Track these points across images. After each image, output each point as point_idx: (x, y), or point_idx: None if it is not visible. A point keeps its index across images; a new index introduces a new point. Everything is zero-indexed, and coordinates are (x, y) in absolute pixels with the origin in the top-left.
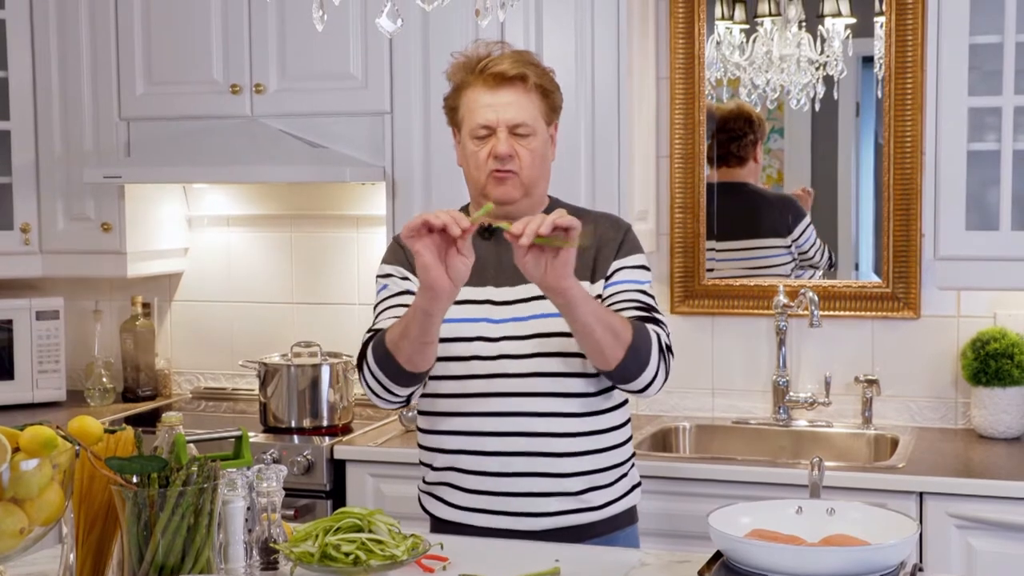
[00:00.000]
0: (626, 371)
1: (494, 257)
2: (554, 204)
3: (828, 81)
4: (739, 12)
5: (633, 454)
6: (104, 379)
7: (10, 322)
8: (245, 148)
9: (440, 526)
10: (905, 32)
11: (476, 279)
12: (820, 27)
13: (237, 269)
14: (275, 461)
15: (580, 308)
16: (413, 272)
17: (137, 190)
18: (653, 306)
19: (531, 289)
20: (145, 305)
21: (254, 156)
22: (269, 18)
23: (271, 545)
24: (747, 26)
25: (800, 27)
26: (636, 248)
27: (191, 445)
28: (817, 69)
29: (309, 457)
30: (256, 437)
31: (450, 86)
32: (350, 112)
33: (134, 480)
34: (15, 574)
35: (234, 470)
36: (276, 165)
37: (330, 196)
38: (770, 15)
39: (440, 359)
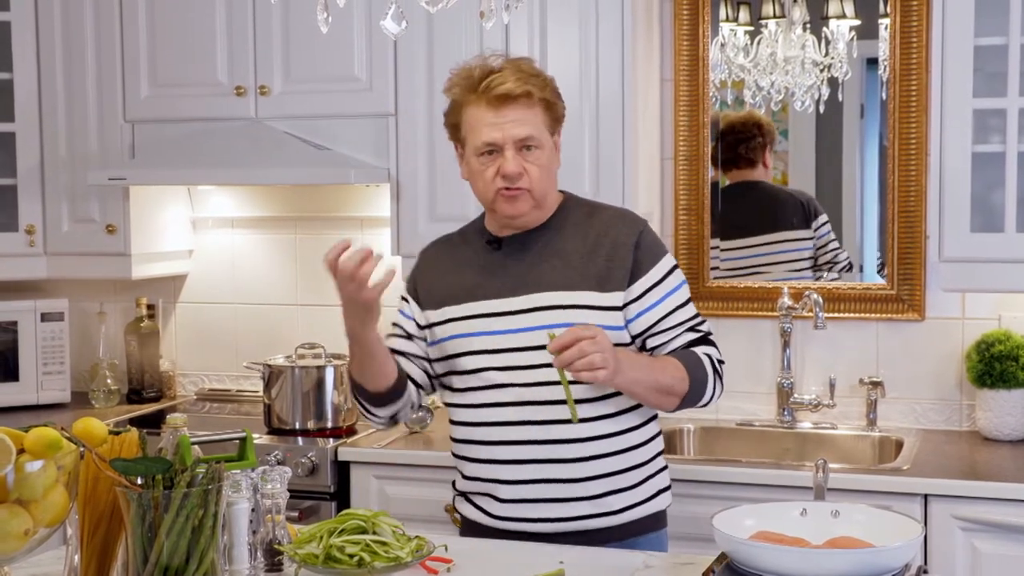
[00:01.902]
0: (683, 408)
1: (501, 268)
2: (568, 201)
3: (833, 83)
4: (743, 14)
5: (659, 453)
6: (109, 381)
7: (15, 323)
8: (249, 150)
9: (471, 531)
10: (910, 34)
11: (483, 292)
12: (824, 29)
13: (241, 271)
14: (279, 463)
15: (634, 390)
16: (415, 295)
17: (142, 192)
18: (695, 316)
19: (539, 299)
20: (150, 307)
21: (258, 158)
22: (273, 20)
23: (275, 547)
24: (751, 28)
25: (804, 29)
26: (657, 252)
27: (195, 447)
28: (822, 71)
29: (313, 459)
30: (260, 439)
31: (448, 101)
32: (354, 114)
33: (139, 481)
34: (20, 575)
35: (238, 472)
36: (280, 167)
37: (334, 198)
38: (774, 17)
39: (455, 373)
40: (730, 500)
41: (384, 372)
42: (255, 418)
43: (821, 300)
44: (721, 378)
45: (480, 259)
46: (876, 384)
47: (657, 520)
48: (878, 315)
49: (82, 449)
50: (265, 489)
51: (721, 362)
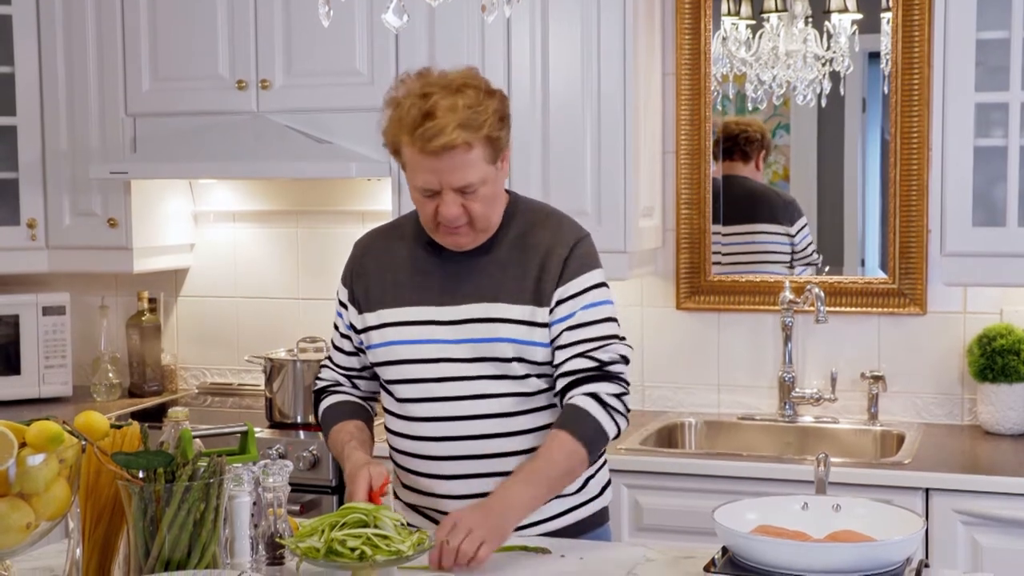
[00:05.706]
0: (597, 458)
1: (439, 273)
2: (513, 206)
3: (835, 77)
4: (745, 8)
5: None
6: (110, 374)
7: (16, 317)
8: (251, 144)
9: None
10: (912, 28)
11: (418, 297)
12: (826, 23)
13: (243, 264)
14: (281, 456)
15: (544, 502)
16: (352, 295)
17: (143, 186)
18: (600, 338)
19: (475, 310)
20: (151, 300)
21: (260, 152)
22: (275, 14)
23: (277, 540)
24: (753, 22)
25: (806, 23)
26: (585, 264)
27: (197, 440)
28: (823, 65)
29: (315, 452)
30: (262, 432)
31: (383, 113)
32: (356, 108)
33: (140, 475)
34: (22, 568)
35: (240, 465)
36: (282, 161)
37: (335, 192)
38: (776, 11)
39: (398, 381)
40: (731, 494)
41: None
42: (256, 412)
43: (823, 294)
44: (620, 412)
45: (417, 260)
46: (877, 378)
47: (600, 518)
48: (880, 309)
49: (84, 443)
50: (267, 483)
51: (618, 395)
